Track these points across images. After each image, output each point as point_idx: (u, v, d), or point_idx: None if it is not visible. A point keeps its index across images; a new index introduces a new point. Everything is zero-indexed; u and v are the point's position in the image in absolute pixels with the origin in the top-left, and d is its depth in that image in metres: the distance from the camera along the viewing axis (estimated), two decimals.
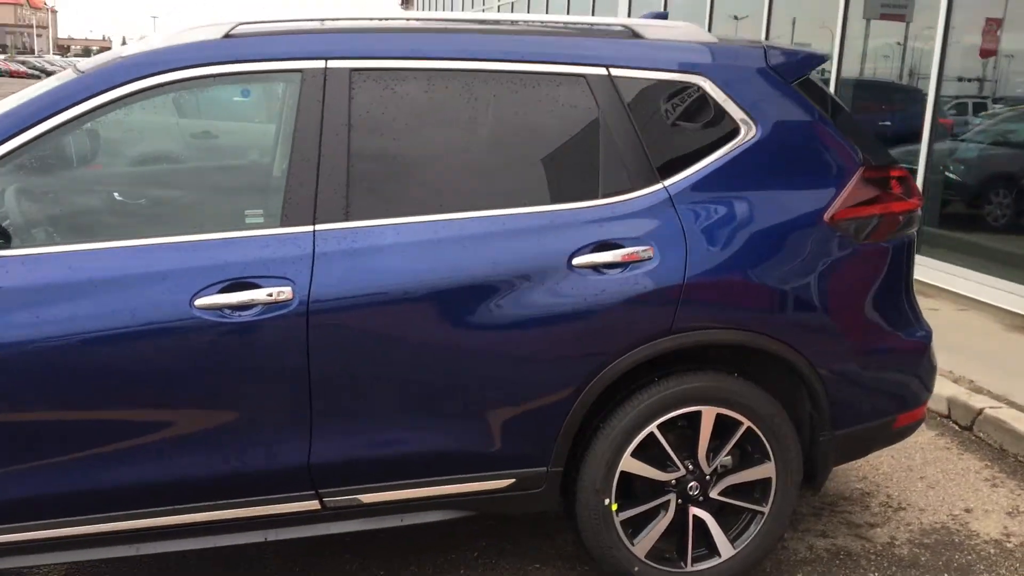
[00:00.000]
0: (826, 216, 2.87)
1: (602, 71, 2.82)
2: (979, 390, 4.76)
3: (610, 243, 2.72)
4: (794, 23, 9.85)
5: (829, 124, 2.97)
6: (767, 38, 9.65)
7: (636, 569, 2.94)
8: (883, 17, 8.18)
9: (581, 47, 2.86)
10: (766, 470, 2.98)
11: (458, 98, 2.76)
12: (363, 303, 2.59)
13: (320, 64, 2.65)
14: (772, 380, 2.98)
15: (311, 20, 2.87)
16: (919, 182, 7.10)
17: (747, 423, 2.92)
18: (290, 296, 2.53)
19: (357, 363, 2.62)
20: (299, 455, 2.64)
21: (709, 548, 3.00)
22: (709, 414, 2.88)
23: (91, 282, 2.47)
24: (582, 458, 2.85)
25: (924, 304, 3.33)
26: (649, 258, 2.73)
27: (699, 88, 2.87)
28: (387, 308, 2.60)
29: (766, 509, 3.02)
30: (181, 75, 2.59)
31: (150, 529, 2.62)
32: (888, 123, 8.32)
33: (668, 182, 2.81)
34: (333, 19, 2.96)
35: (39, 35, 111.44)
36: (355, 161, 2.63)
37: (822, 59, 3.11)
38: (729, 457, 2.97)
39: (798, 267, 2.85)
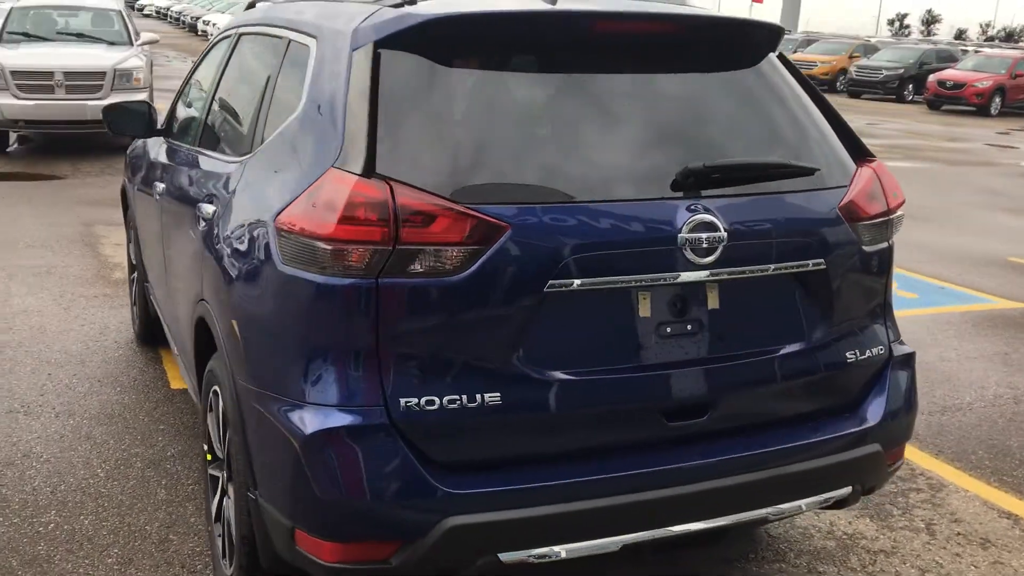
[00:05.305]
0: (279, 218, 2.39)
1: (292, 34, 2.98)
2: None
3: (213, 197, 3.07)
4: None
5: (341, 107, 2.38)
6: None
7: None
8: None
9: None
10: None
11: (246, 56, 3.53)
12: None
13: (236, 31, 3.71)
14: None
15: None
16: None
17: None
18: None
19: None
20: None
21: None
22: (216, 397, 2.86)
23: None
24: None
25: None
26: (207, 217, 2.99)
27: (310, 51, 2.71)
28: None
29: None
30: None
31: None
32: None
33: (256, 149, 2.88)
34: None
35: None
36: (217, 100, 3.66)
37: (415, 20, 2.41)
38: None
39: (244, 269, 2.56)
